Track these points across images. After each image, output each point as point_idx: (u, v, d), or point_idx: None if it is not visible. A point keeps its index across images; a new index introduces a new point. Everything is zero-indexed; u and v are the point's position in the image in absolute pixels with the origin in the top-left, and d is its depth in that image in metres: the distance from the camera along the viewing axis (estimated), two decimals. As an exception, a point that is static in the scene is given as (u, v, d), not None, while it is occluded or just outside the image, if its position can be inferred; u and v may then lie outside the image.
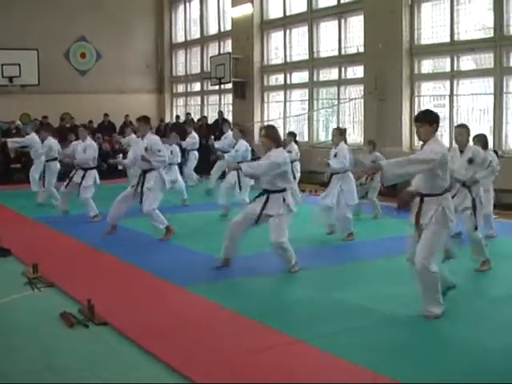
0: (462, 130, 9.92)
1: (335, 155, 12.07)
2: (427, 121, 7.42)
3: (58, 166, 16.48)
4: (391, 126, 18.20)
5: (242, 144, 14.59)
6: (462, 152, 9.86)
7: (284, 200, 9.34)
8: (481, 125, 17.07)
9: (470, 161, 9.80)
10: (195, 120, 27.33)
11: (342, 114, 21.49)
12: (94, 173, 14.31)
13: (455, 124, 17.25)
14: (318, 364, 6.16)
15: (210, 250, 10.06)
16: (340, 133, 12.40)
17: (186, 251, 11.19)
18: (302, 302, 8.19)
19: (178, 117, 28.28)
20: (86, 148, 14.37)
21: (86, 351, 6.47)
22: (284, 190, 9.45)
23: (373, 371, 5.79)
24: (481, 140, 11.80)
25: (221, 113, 26.27)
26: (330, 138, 20.62)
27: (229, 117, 26.48)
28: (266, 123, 24.88)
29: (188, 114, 27.84)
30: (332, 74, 22.14)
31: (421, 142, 7.62)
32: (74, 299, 8.12)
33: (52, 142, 16.55)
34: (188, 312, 7.71)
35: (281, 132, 19.24)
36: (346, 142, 12.44)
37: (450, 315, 7.34)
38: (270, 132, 9.71)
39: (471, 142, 10.41)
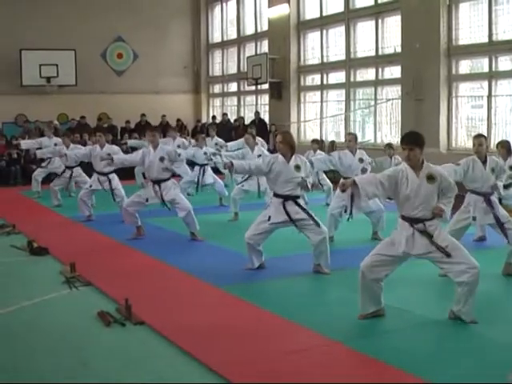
0: (481, 140, 9.65)
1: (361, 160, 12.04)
2: (419, 144, 7.17)
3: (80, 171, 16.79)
4: (428, 127, 18.02)
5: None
6: (484, 162, 9.56)
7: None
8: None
9: (493, 170, 9.62)
10: (232, 120, 27.38)
11: (378, 115, 21.38)
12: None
13: (493, 124, 17.25)
14: (355, 365, 6.16)
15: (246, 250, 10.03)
16: (356, 138, 12.38)
17: (222, 251, 11.22)
18: (337, 302, 8.19)
19: (214, 117, 28.31)
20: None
21: (123, 350, 6.53)
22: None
23: (409, 373, 5.77)
24: (504, 146, 11.72)
25: (257, 113, 26.27)
26: (366, 138, 20.63)
27: (265, 117, 26.48)
28: (302, 124, 24.90)
29: (224, 115, 27.87)
30: (369, 74, 22.01)
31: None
32: (112, 298, 8.18)
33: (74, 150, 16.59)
34: (224, 312, 7.73)
35: (317, 132, 19.36)
36: None
37: (488, 319, 7.27)
38: (285, 137, 9.70)
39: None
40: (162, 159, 11.98)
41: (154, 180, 12.09)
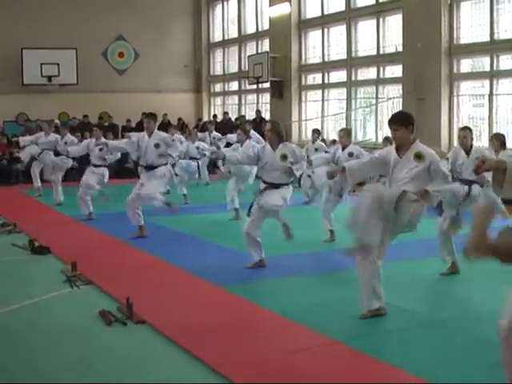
0: (466, 133, 9.73)
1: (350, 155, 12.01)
2: (403, 124, 7.26)
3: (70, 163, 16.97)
4: (430, 126, 18.01)
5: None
6: (468, 154, 9.55)
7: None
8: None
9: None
10: (233, 119, 27.37)
11: (379, 114, 21.37)
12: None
13: (494, 123, 17.25)
14: (357, 365, 6.14)
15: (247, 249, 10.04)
16: (348, 134, 12.35)
17: (222, 250, 11.22)
18: (338, 302, 8.15)
19: (215, 116, 28.32)
20: None
21: (124, 349, 6.52)
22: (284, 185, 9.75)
23: (410, 373, 5.76)
24: (498, 138, 11.69)
25: (259, 112, 26.28)
26: (367, 137, 20.62)
27: (266, 116, 26.47)
28: (303, 122, 24.91)
29: (225, 114, 27.89)
30: (370, 73, 22.02)
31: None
32: (113, 297, 8.18)
33: (70, 138, 17.32)
34: (225, 312, 7.72)
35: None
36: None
37: (488, 319, 7.23)
38: (274, 126, 9.97)
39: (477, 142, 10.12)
40: (157, 145, 12.24)
41: (147, 166, 12.28)
